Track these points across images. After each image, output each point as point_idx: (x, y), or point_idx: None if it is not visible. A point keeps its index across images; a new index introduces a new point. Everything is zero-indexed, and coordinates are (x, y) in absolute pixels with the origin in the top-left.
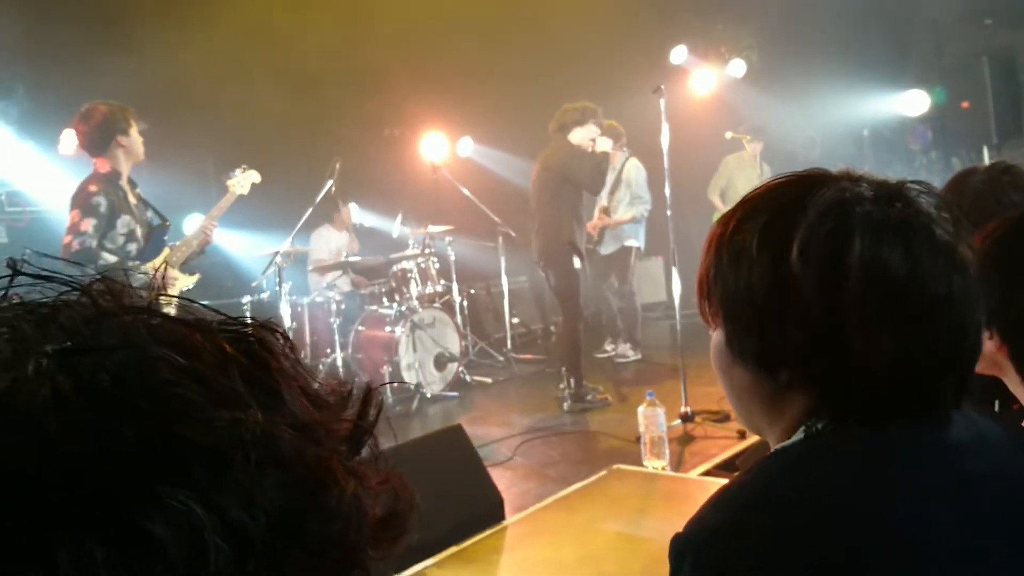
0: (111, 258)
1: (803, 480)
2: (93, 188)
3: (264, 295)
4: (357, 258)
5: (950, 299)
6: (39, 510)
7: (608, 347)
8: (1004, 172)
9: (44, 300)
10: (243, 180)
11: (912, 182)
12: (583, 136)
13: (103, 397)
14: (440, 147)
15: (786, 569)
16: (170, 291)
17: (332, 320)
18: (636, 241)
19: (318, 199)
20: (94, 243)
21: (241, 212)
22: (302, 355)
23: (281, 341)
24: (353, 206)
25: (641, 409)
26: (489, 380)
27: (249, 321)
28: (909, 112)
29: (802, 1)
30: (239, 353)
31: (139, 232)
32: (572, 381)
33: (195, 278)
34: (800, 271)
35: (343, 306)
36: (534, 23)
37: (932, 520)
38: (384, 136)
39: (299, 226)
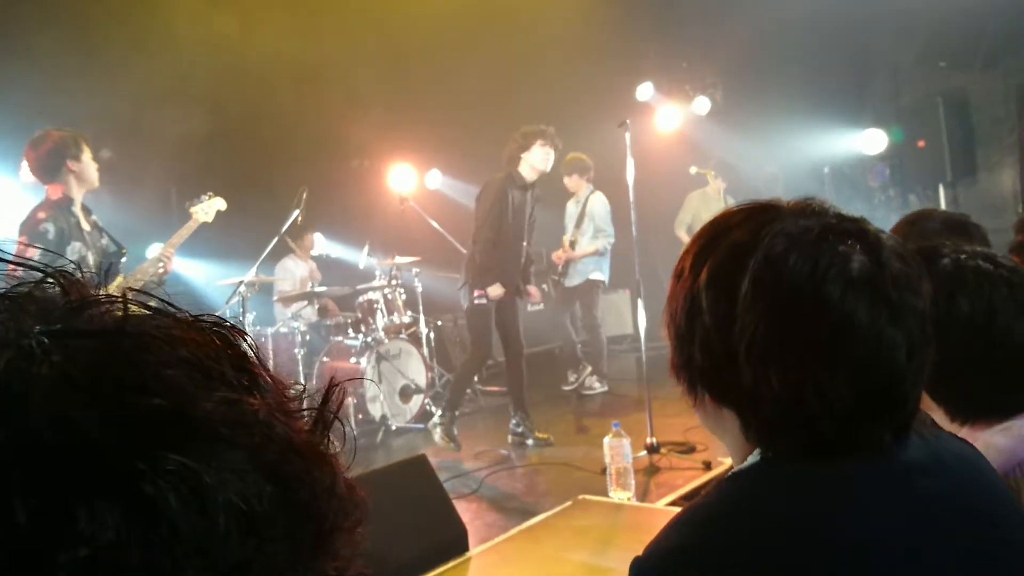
0: None
1: (759, 502)
2: (42, 215)
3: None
4: (324, 288)
5: (868, 339)
6: (59, 473)
7: (572, 378)
8: (958, 227)
9: (15, 289)
10: (207, 207)
11: (849, 218)
12: (533, 161)
13: (102, 374)
14: (408, 179)
15: None
16: None
17: (297, 351)
18: (601, 274)
19: (284, 228)
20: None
21: (205, 241)
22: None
23: (246, 338)
24: (318, 235)
25: (607, 440)
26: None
27: (216, 317)
28: (868, 150)
29: (765, 42)
30: (221, 342)
31: (91, 259)
32: (441, 408)
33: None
34: (705, 294)
35: (308, 337)
36: (503, 57)
37: (887, 540)
38: (352, 167)
39: (264, 255)
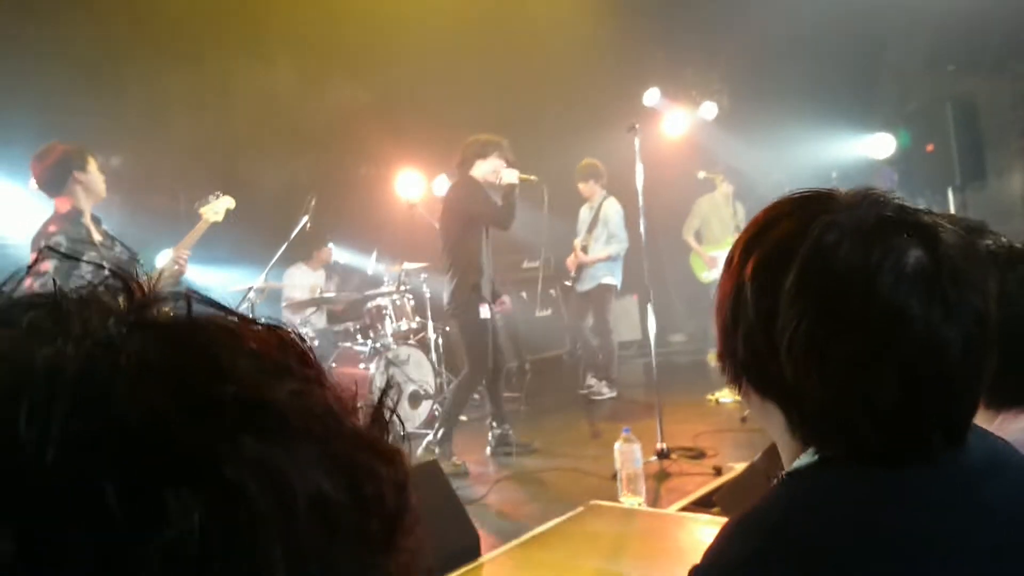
0: None
1: (820, 506)
2: (52, 228)
3: None
4: (332, 295)
5: (920, 337)
6: (146, 458)
7: (591, 382)
8: (979, 234)
9: (79, 290)
10: (217, 207)
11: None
12: (486, 170)
13: (179, 363)
14: (416, 185)
15: None
16: None
17: None
18: (613, 279)
19: (292, 235)
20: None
21: (214, 247)
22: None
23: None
24: (331, 246)
25: (617, 445)
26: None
27: (272, 320)
28: (876, 155)
29: (771, 46)
30: (284, 338)
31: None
32: (439, 433)
33: None
34: (749, 286)
35: (316, 343)
36: (511, 64)
37: (951, 546)
38: (360, 174)
39: (273, 262)
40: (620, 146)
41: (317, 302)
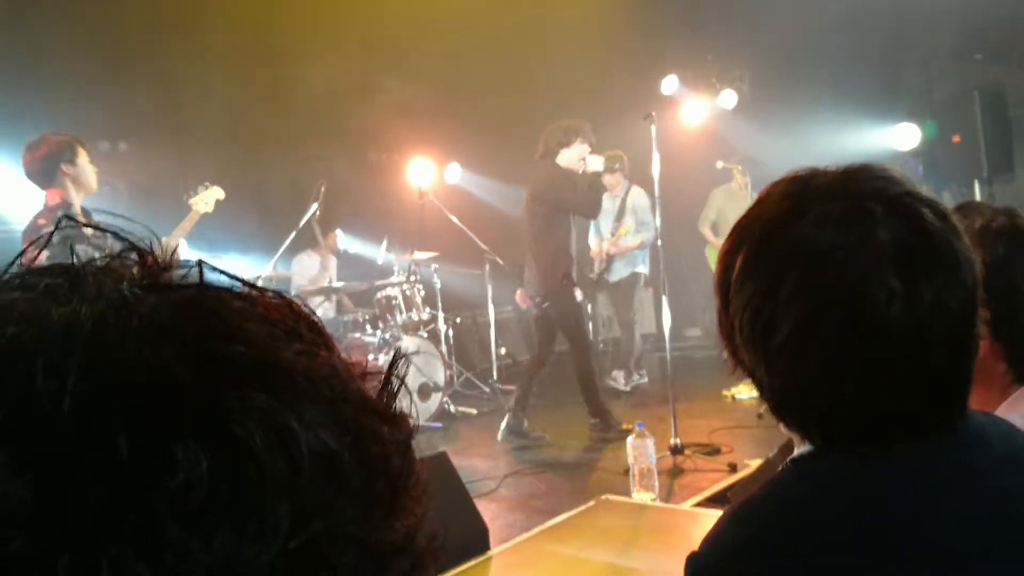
0: None
1: (817, 495)
2: (42, 222)
3: None
4: (341, 284)
5: (901, 312)
6: (156, 413)
7: (620, 377)
8: (1004, 214)
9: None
10: (207, 197)
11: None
12: (571, 157)
13: (189, 324)
14: (427, 173)
15: None
16: None
17: None
18: (644, 268)
19: (303, 222)
20: None
21: (222, 235)
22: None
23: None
24: (339, 232)
25: (630, 440)
26: (474, 411)
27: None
28: (900, 146)
29: (793, 34)
30: (293, 306)
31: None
32: (597, 418)
33: None
34: (734, 273)
35: None
36: (524, 50)
37: (960, 537)
38: (370, 160)
39: (282, 249)
40: (637, 135)
41: (326, 291)
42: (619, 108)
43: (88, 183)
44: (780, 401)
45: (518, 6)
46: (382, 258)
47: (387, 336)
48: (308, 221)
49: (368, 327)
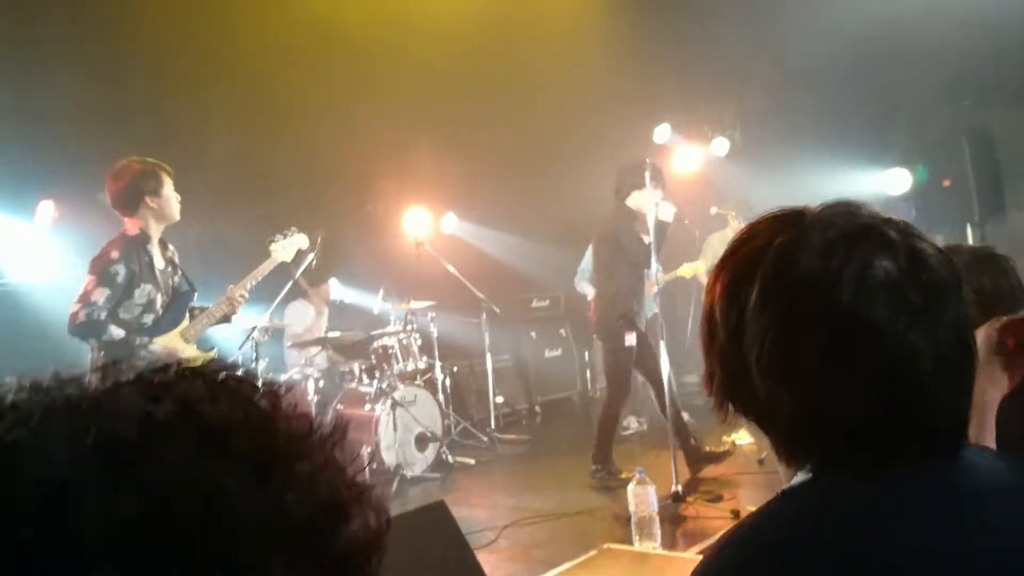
0: (118, 332)
1: (807, 524)
2: (115, 255)
3: (215, 352)
4: (337, 334)
5: (886, 346)
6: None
7: (633, 423)
8: (986, 258)
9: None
10: (288, 244)
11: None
12: (643, 201)
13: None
14: (423, 223)
15: None
16: None
17: (310, 398)
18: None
19: (299, 272)
20: (103, 315)
21: (217, 283)
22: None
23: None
24: (333, 280)
25: (631, 488)
26: (472, 461)
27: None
28: (893, 190)
29: (784, 81)
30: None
31: (159, 302)
32: (599, 464)
33: (210, 355)
34: (719, 306)
35: (321, 384)
36: (519, 100)
37: (945, 567)
38: (367, 211)
39: (279, 299)
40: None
41: (322, 341)
42: (614, 157)
43: (171, 214)
44: (800, 427)
45: (512, 57)
46: (379, 307)
47: (384, 386)
48: (304, 271)
49: (364, 377)
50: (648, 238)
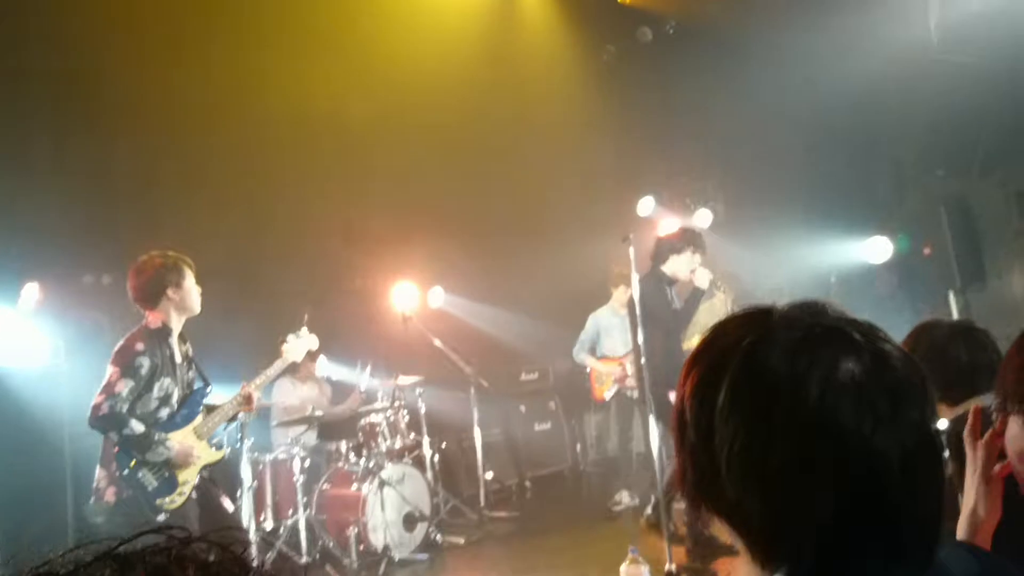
0: (138, 427)
1: None
2: (139, 347)
3: (225, 451)
4: (323, 412)
5: (851, 447)
6: None
7: (624, 498)
8: (964, 332)
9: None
10: (299, 345)
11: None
12: (680, 266)
13: None
14: (411, 297)
15: None
16: (192, 468)
17: (296, 478)
18: None
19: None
20: (124, 408)
21: (204, 362)
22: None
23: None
24: (321, 358)
25: (624, 568)
26: (462, 540)
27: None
28: (874, 259)
29: (764, 153)
30: None
31: (176, 396)
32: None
33: (221, 454)
34: (689, 405)
35: (307, 463)
36: (504, 174)
37: None
38: (355, 287)
39: (266, 379)
40: (616, 256)
41: (308, 420)
42: (598, 230)
43: (192, 306)
44: (770, 530)
45: (498, 132)
46: (365, 384)
47: (371, 464)
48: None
49: (352, 455)
50: (679, 303)
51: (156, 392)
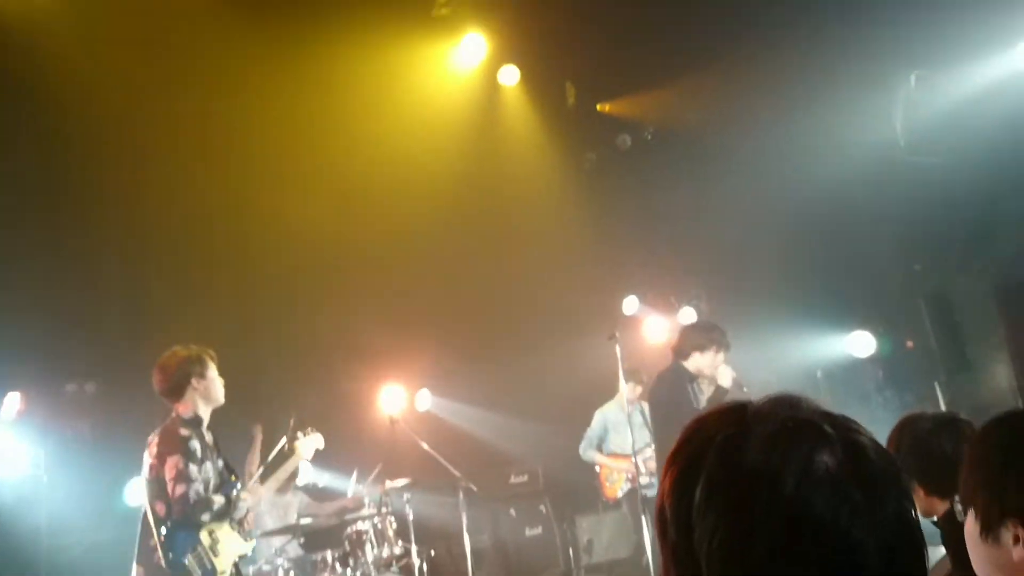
0: (219, 499)
1: None
2: (185, 432)
3: (254, 542)
4: (308, 520)
5: (830, 541)
6: None
7: None
8: (948, 424)
9: None
10: (308, 444)
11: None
12: (703, 364)
13: None
14: (398, 400)
15: None
16: (226, 557)
17: None
18: None
19: (271, 457)
20: (202, 489)
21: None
22: None
23: None
24: (303, 463)
25: None
26: None
27: None
28: (858, 353)
29: (743, 253)
30: None
31: (212, 483)
32: None
33: (251, 544)
34: (668, 503)
35: (292, 574)
36: (488, 275)
37: None
38: (342, 390)
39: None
40: (602, 354)
41: (292, 530)
42: (583, 329)
43: (216, 396)
44: None
45: (482, 235)
46: (352, 490)
47: (358, 574)
48: (277, 455)
49: (338, 566)
50: (702, 401)
51: (203, 476)
